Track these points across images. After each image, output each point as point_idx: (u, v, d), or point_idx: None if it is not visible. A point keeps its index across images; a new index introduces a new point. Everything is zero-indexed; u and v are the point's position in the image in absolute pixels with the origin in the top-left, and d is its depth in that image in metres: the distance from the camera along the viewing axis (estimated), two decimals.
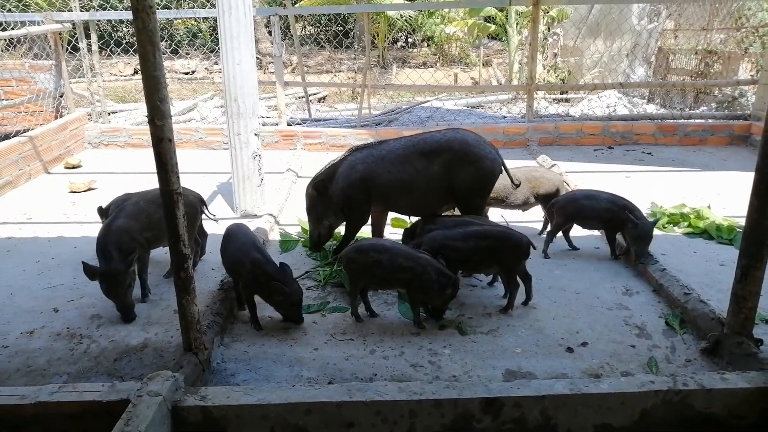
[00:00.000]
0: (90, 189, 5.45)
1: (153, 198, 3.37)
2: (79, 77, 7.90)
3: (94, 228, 3.91)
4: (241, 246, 3.21)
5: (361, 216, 3.82)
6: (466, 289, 3.59)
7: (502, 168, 3.77)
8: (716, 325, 2.90)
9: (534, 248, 3.29)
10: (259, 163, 4.59)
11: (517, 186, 3.98)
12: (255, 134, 4.48)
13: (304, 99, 8.68)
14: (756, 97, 7.00)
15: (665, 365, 2.81)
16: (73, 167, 6.15)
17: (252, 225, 4.39)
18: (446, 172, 3.62)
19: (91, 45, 6.86)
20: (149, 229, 3.36)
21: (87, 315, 3.29)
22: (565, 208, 3.93)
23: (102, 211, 3.88)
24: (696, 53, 8.69)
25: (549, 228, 4.26)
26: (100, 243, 3.19)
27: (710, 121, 7.02)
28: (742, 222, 4.27)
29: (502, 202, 4.17)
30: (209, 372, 2.78)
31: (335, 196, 3.73)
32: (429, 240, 3.29)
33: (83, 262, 3.11)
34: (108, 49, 8.39)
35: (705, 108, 8.10)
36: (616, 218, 3.80)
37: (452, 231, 3.31)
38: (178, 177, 2.45)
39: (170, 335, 3.07)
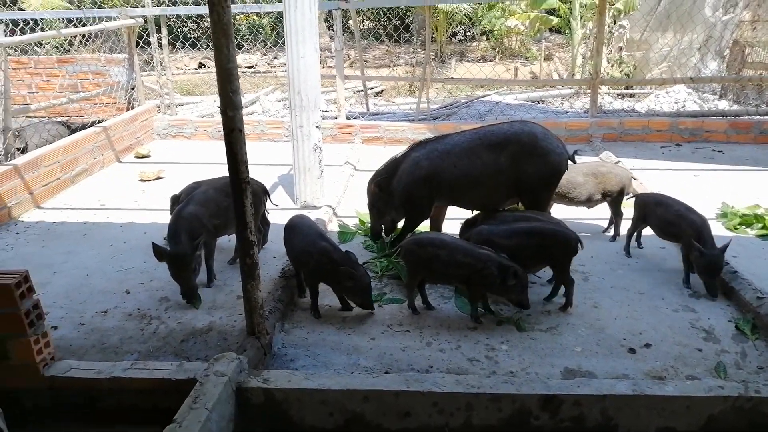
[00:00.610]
0: (158, 178, 5.69)
1: (222, 186, 3.49)
2: (150, 71, 8.24)
3: (162, 215, 4.11)
4: (306, 236, 3.29)
5: (423, 212, 3.82)
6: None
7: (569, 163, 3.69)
8: None
9: (582, 247, 3.22)
10: (319, 155, 4.67)
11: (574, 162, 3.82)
12: (317, 127, 4.56)
13: (362, 93, 8.74)
14: None
15: (735, 371, 2.70)
16: (143, 157, 6.43)
17: (311, 216, 4.47)
18: (513, 165, 3.57)
19: (161, 39, 7.13)
20: (217, 216, 3.49)
21: (156, 297, 3.45)
22: (638, 206, 3.83)
23: (175, 199, 4.05)
24: None
25: (614, 226, 4.15)
26: (172, 227, 3.33)
27: None
28: None
29: (565, 198, 4.08)
30: (270, 356, 2.87)
31: (398, 192, 3.73)
32: (474, 234, 3.28)
33: (153, 243, 3.26)
34: (175, 44, 8.71)
35: None
36: (681, 233, 3.45)
37: (498, 227, 3.29)
38: (247, 167, 2.53)
39: (234, 319, 3.18)
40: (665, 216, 3.57)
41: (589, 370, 2.76)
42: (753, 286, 3.22)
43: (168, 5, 9.67)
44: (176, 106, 8.05)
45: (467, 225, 3.58)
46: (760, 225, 4.17)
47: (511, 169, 3.56)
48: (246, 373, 2.45)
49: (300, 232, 3.35)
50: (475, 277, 3.04)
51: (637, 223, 3.84)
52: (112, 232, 4.45)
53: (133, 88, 7.11)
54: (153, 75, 7.90)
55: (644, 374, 2.71)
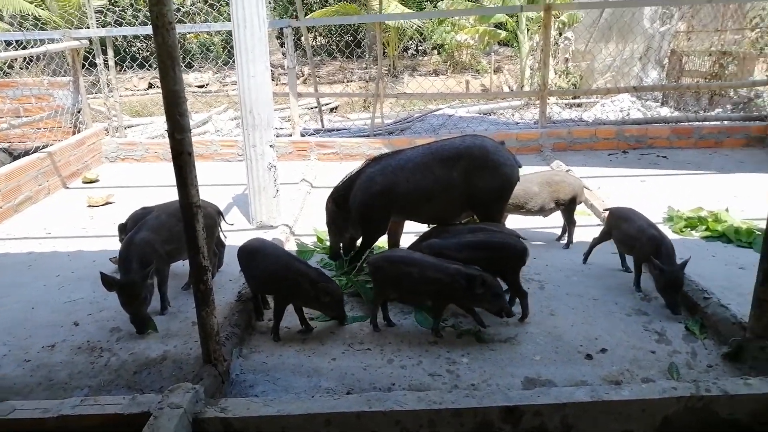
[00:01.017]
0: (108, 203, 5.53)
1: (174, 211, 3.41)
2: (96, 93, 8.03)
3: (112, 242, 3.99)
4: (277, 259, 3.24)
5: (379, 227, 3.81)
6: None
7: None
8: (738, 329, 2.87)
9: (528, 256, 3.28)
10: (274, 174, 4.62)
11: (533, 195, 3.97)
12: (270, 145, 4.52)
13: (316, 110, 8.75)
14: None
15: (686, 371, 2.78)
16: (91, 182, 6.24)
17: (268, 236, 4.43)
18: (465, 179, 3.61)
19: (107, 60, 6.96)
20: (170, 241, 3.40)
21: (107, 328, 3.33)
22: (608, 219, 3.84)
23: (122, 227, 3.93)
24: (710, 55, 8.62)
25: (567, 234, 4.25)
26: (123, 255, 3.23)
27: (726, 123, 6.95)
28: (762, 225, 4.27)
29: (522, 209, 4.15)
30: (228, 383, 2.80)
31: (354, 208, 3.73)
32: (426, 248, 3.30)
33: (101, 273, 3.15)
34: (123, 65, 8.51)
35: (720, 110, 8.02)
36: (640, 247, 3.45)
37: (449, 240, 3.32)
38: (197, 190, 2.48)
39: (189, 347, 3.10)
40: (628, 230, 3.57)
41: (549, 378, 2.79)
42: (699, 287, 3.33)
43: (114, 26, 9.46)
44: (125, 128, 7.87)
45: (423, 239, 3.60)
46: (703, 227, 4.34)
47: (463, 182, 3.61)
48: (203, 403, 2.38)
49: (266, 255, 3.28)
50: (444, 292, 3.06)
51: (604, 236, 3.85)
52: (59, 262, 4.28)
53: (79, 111, 6.92)
54: (100, 97, 7.70)
55: (601, 379, 2.75)
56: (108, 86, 7.18)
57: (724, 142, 6.64)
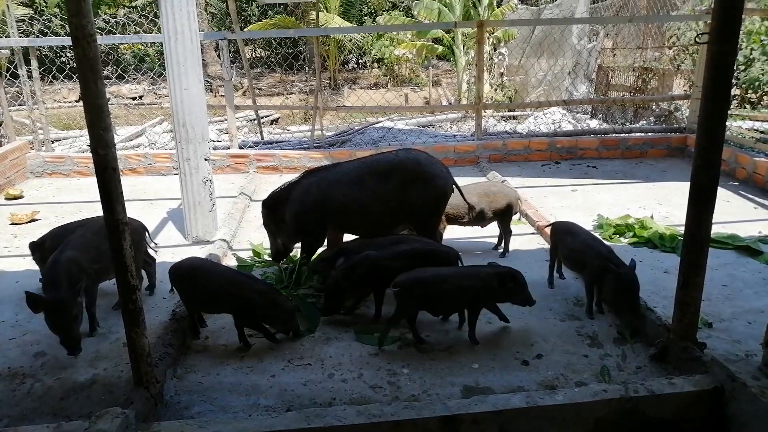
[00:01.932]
0: (33, 220, 5.24)
1: (99, 229, 3.26)
2: (20, 105, 7.63)
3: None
4: (227, 279, 3.17)
5: (317, 239, 3.82)
6: None
7: (454, 186, 3.84)
8: (663, 331, 3.00)
9: (461, 262, 3.39)
10: (210, 188, 4.52)
11: (471, 206, 4.05)
12: (205, 159, 4.42)
13: (255, 122, 8.63)
14: (689, 111, 7.37)
15: (617, 373, 2.89)
16: (15, 198, 5.90)
17: (204, 251, 4.33)
18: (400, 192, 3.67)
19: (31, 71, 6.64)
20: (98, 260, 3.25)
21: (30, 353, 3.14)
22: (551, 234, 3.80)
23: (35, 246, 3.72)
24: (633, 70, 9.10)
25: (504, 243, 4.34)
26: (49, 274, 3.06)
27: (650, 134, 7.33)
28: (683, 230, 4.51)
29: (461, 219, 4.23)
30: (162, 406, 2.69)
31: (289, 220, 3.72)
32: (363, 259, 3.33)
33: (27, 293, 2.97)
34: (50, 76, 8.14)
35: (644, 122, 8.47)
36: (586, 263, 3.38)
37: (384, 251, 3.37)
38: (123, 207, 2.39)
39: (120, 370, 2.96)
40: (572, 245, 3.53)
41: (487, 385, 2.84)
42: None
43: (37, 35, 9.04)
44: (52, 141, 7.50)
45: (323, 261, 3.59)
46: (631, 234, 4.54)
47: (398, 195, 3.65)
48: (133, 428, 2.27)
49: (214, 274, 3.20)
50: (481, 296, 3.14)
51: (554, 252, 3.78)
52: None
53: (0, 124, 6.55)
54: (25, 110, 7.32)
55: (538, 385, 2.82)
56: (32, 98, 6.83)
57: (648, 153, 7.00)
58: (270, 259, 4.22)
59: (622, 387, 2.48)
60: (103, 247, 3.20)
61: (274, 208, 3.78)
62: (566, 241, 3.60)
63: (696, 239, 2.67)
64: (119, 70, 10.07)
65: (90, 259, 3.24)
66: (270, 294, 3.13)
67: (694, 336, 2.81)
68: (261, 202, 3.91)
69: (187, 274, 3.23)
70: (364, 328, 3.34)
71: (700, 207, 2.61)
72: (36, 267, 3.84)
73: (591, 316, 3.41)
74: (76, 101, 16.48)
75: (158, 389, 2.68)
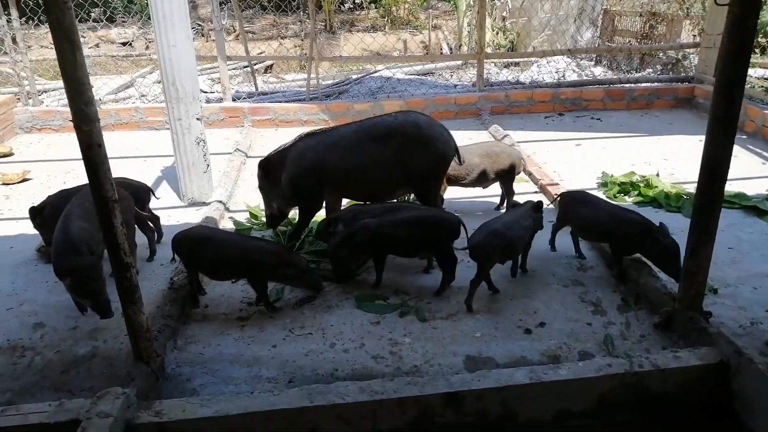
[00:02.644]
0: (25, 180, 5.13)
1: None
2: (2, 54, 7.34)
3: (31, 225, 3.68)
4: (234, 244, 3.19)
5: (314, 203, 3.74)
6: (424, 273, 3.56)
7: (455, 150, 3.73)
8: (668, 299, 2.97)
9: (465, 228, 3.29)
10: (203, 148, 4.39)
11: (461, 163, 3.88)
12: (197, 119, 4.27)
13: (249, 70, 8.35)
14: (698, 60, 7.13)
15: (620, 342, 2.87)
16: (4, 155, 5.76)
17: (200, 213, 4.26)
18: (399, 156, 3.55)
19: (11, 18, 6.30)
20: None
21: (29, 324, 3.10)
22: (563, 205, 3.63)
23: (35, 212, 3.62)
24: (641, 15, 8.75)
25: (506, 204, 4.26)
26: (66, 241, 2.95)
27: (656, 84, 7.12)
28: (689, 189, 4.43)
29: (462, 181, 4.13)
30: (164, 380, 2.68)
31: (285, 183, 3.63)
32: (362, 227, 3.26)
33: (58, 256, 2.89)
34: (36, 18, 7.80)
35: (650, 70, 8.22)
36: (615, 233, 3.29)
37: (383, 218, 3.30)
38: (112, 184, 2.29)
39: (120, 342, 2.93)
40: (595, 216, 3.37)
41: (489, 355, 2.82)
42: (633, 255, 3.42)
43: None
44: (39, 93, 7.26)
45: (324, 229, 3.49)
46: (636, 192, 4.45)
47: (397, 160, 3.54)
48: (135, 408, 2.26)
49: (223, 241, 3.20)
50: (534, 231, 3.39)
51: (562, 222, 3.65)
52: None
53: None
54: (7, 62, 7.03)
55: (540, 354, 2.81)
56: (14, 45, 6.51)
57: (654, 104, 6.82)
58: None
59: (626, 361, 2.45)
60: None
61: (270, 171, 3.68)
62: (583, 212, 3.44)
63: (706, 208, 2.58)
64: (109, 12, 9.65)
65: (95, 228, 3.18)
66: (283, 253, 3.16)
67: (700, 306, 2.77)
68: (257, 163, 3.80)
69: (195, 242, 3.18)
70: (364, 296, 3.30)
71: (713, 175, 2.50)
72: (32, 232, 3.75)
73: (624, 282, 3.32)
74: None
75: (159, 363, 2.66)
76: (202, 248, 3.16)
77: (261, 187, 3.84)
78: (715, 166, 2.46)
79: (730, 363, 2.41)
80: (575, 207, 3.51)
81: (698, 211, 2.60)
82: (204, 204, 4.45)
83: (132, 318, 2.49)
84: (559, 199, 3.69)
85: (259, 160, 3.81)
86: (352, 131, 3.58)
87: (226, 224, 4.23)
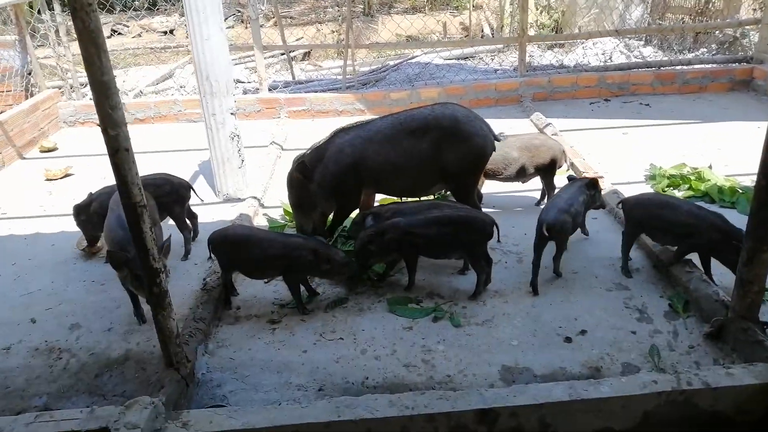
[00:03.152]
0: (67, 175, 5.24)
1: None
2: (47, 48, 7.48)
3: (72, 222, 3.74)
4: (272, 242, 3.16)
5: (354, 200, 3.65)
6: (459, 275, 3.45)
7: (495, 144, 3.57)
8: (720, 307, 2.77)
9: (497, 228, 3.18)
10: (238, 143, 4.36)
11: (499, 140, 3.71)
12: (231, 114, 4.24)
13: (286, 59, 8.29)
14: (759, 38, 6.67)
15: (667, 353, 2.71)
16: (49, 150, 5.90)
17: (235, 210, 4.24)
18: (436, 151, 3.43)
19: (53, 11, 6.41)
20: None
21: (66, 324, 3.15)
22: (633, 211, 3.29)
23: (80, 208, 3.65)
24: None
25: (547, 199, 4.07)
26: (122, 234, 2.90)
27: (711, 66, 6.72)
28: (745, 182, 4.15)
29: (500, 175, 3.97)
30: (194, 385, 2.67)
31: (326, 181, 3.51)
32: (392, 226, 3.17)
33: (109, 252, 2.89)
34: None
35: (705, 50, 7.75)
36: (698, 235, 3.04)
37: (414, 217, 3.20)
38: (140, 188, 2.25)
39: (152, 344, 2.94)
40: (677, 218, 3.09)
41: (526, 365, 2.70)
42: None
43: None
44: (83, 86, 7.39)
45: (358, 225, 3.46)
46: (686, 186, 4.20)
47: (434, 154, 3.42)
48: (163, 418, 2.24)
49: (258, 239, 3.17)
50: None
51: (635, 233, 3.32)
52: (16, 247, 4.05)
53: (29, 73, 6.46)
54: (53, 56, 7.17)
55: (581, 365, 2.67)
56: (58, 40, 6.62)
57: (708, 87, 6.43)
58: None
59: (674, 377, 2.29)
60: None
61: (308, 173, 3.51)
62: (664, 215, 3.14)
63: (765, 212, 2.37)
64: (148, 3, 9.71)
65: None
66: (323, 250, 3.08)
67: (756, 316, 2.58)
68: (288, 173, 3.64)
69: (232, 242, 3.17)
70: (397, 299, 3.22)
71: None
72: (73, 229, 3.81)
73: (715, 284, 3.00)
74: (108, 37, 16.32)
75: (189, 369, 2.65)
76: (239, 248, 3.15)
77: (299, 197, 3.61)
78: None
79: None
80: (652, 211, 3.20)
81: (756, 215, 2.39)
82: (239, 200, 4.44)
83: (162, 324, 2.48)
84: (623, 205, 3.37)
85: (292, 167, 3.62)
86: (389, 124, 3.47)
87: (260, 221, 4.20)
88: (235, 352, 2.91)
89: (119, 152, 2.20)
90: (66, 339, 3.04)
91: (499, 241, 3.38)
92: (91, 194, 3.70)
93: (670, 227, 3.13)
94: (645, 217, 3.22)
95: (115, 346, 2.96)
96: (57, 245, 3.99)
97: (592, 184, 3.41)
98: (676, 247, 3.21)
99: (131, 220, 2.29)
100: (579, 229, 3.49)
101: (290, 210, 4.17)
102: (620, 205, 3.42)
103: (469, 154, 3.44)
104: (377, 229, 3.21)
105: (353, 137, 3.50)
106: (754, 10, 7.94)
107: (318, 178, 3.52)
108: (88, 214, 3.61)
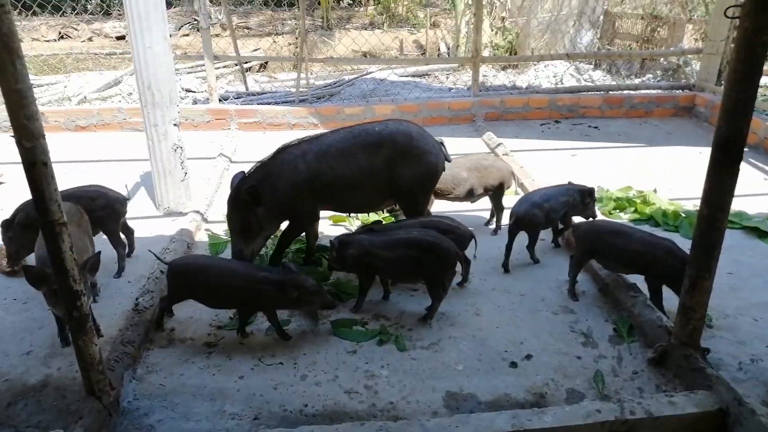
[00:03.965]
0: None
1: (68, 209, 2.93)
2: None
3: None
4: (238, 274, 2.89)
5: (310, 218, 3.52)
6: (406, 294, 3.37)
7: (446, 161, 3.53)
8: (664, 333, 2.77)
9: (461, 260, 3.16)
10: (181, 155, 4.18)
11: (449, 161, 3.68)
12: (174, 125, 4.06)
13: (241, 69, 8.13)
14: (700, 67, 6.93)
15: (611, 379, 2.68)
16: None
17: (176, 225, 4.06)
18: (389, 167, 3.36)
19: None
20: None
21: None
22: (583, 239, 3.22)
23: (7, 224, 3.39)
24: (642, 18, 8.54)
25: (496, 220, 4.06)
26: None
27: (656, 92, 6.93)
28: (687, 206, 4.24)
29: (449, 194, 3.93)
30: (118, 415, 2.48)
31: (278, 199, 3.30)
32: (356, 244, 3.06)
33: (26, 267, 2.64)
34: (30, 12, 7.52)
35: (650, 75, 8.02)
36: (653, 263, 3.00)
37: (378, 237, 3.09)
38: (59, 205, 2.08)
39: (75, 370, 2.68)
40: (629, 247, 3.04)
41: (471, 391, 2.62)
42: (627, 281, 3.23)
43: None
44: None
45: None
46: (632, 209, 4.26)
47: (386, 170, 3.35)
48: None
49: (222, 269, 2.93)
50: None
51: (583, 259, 3.27)
52: None
53: None
54: None
55: (526, 391, 2.61)
56: None
57: (654, 112, 6.63)
58: None
59: (617, 407, 2.26)
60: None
61: (256, 195, 3.21)
62: (616, 243, 3.08)
63: (706, 240, 2.39)
64: (105, 5, 9.36)
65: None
66: (289, 279, 2.82)
67: (697, 342, 2.58)
68: (229, 197, 3.36)
69: (189, 272, 2.94)
70: (342, 321, 3.11)
71: (714, 207, 2.30)
72: None
73: (667, 317, 2.92)
74: (57, 40, 15.72)
75: (113, 397, 2.46)
76: (201, 279, 2.92)
77: (243, 219, 3.30)
78: (716, 198, 2.26)
79: (729, 411, 2.22)
80: (604, 239, 3.14)
81: (698, 243, 2.40)
82: (180, 214, 4.25)
83: (83, 349, 2.29)
84: (574, 231, 3.29)
85: (248, 167, 3.44)
86: (341, 139, 3.36)
87: (202, 237, 4.03)
88: (166, 377, 2.73)
89: (36, 166, 2.03)
90: None
91: (475, 257, 3.39)
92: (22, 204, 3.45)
93: (622, 256, 3.09)
94: (597, 245, 3.17)
95: (33, 371, 2.73)
96: None
97: (588, 192, 3.62)
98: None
99: (49, 238, 2.11)
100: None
101: None
102: (571, 230, 3.37)
103: (423, 171, 3.39)
104: (343, 239, 3.11)
105: (304, 151, 3.37)
106: (696, 39, 8.27)
107: (268, 199, 3.29)
108: (10, 229, 3.36)
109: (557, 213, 3.59)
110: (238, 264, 3.07)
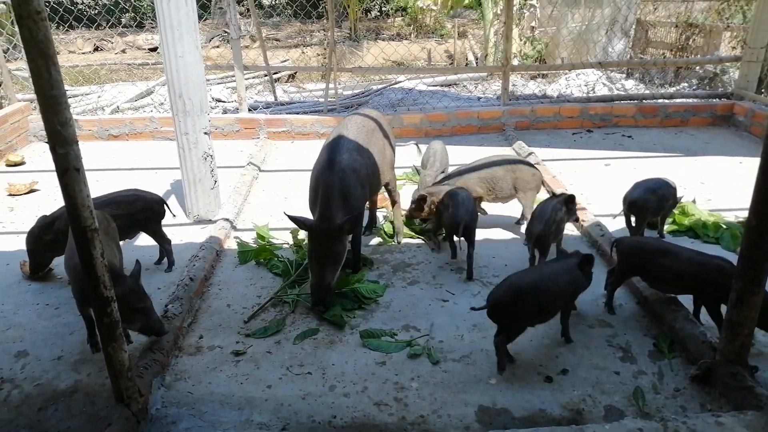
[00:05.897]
0: (32, 191, 5.01)
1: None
2: (22, 62, 7.30)
3: None
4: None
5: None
6: (437, 304, 3.30)
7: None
8: (707, 349, 2.65)
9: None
10: (211, 164, 4.19)
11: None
12: (205, 133, 4.08)
13: (270, 79, 8.19)
14: (739, 75, 6.72)
15: (652, 396, 2.56)
16: (16, 164, 5.67)
17: (206, 232, 4.06)
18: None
19: None
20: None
21: (12, 352, 2.92)
22: (628, 255, 3.06)
23: (47, 224, 3.43)
24: (676, 26, 8.36)
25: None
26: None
27: (692, 100, 6.74)
28: (728, 217, 4.08)
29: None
30: (146, 422, 2.46)
31: (356, 205, 3.34)
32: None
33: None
34: (67, 25, 7.72)
35: (686, 84, 7.82)
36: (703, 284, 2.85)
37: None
38: (91, 211, 2.08)
39: (104, 376, 2.68)
40: (676, 267, 2.88)
41: (505, 406, 2.54)
42: (666, 295, 3.10)
43: None
44: None
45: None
46: (670, 220, 4.12)
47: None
48: None
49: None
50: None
51: (625, 276, 3.15)
52: None
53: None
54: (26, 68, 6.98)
55: (561, 407, 2.52)
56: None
57: (690, 121, 6.44)
58: (276, 242, 3.94)
59: (660, 425, 2.15)
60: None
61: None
62: (664, 263, 2.91)
63: (755, 253, 2.27)
64: (139, 18, 9.51)
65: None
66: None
67: (745, 360, 2.46)
68: (322, 230, 3.16)
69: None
70: (370, 331, 3.05)
71: (764, 219, 2.19)
72: None
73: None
74: (92, 52, 16.13)
75: (142, 404, 2.44)
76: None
77: (336, 250, 3.18)
78: (766, 208, 2.15)
79: None
80: (650, 258, 2.97)
81: (746, 256, 2.28)
82: (210, 222, 4.26)
83: (112, 356, 2.28)
84: (617, 246, 3.10)
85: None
86: (356, 130, 3.65)
87: (231, 244, 4.02)
88: (194, 385, 2.71)
89: (69, 172, 2.04)
90: (10, 368, 2.81)
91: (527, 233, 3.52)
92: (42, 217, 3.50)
93: (669, 275, 2.92)
94: (643, 263, 3.00)
95: (64, 376, 2.74)
96: (12, 265, 3.75)
97: (569, 199, 3.55)
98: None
99: (81, 244, 2.11)
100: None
101: (264, 233, 4.02)
102: (614, 245, 3.15)
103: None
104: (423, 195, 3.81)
105: (348, 153, 3.39)
106: (733, 47, 8.05)
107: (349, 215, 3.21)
108: (51, 228, 3.41)
109: (667, 202, 3.72)
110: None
